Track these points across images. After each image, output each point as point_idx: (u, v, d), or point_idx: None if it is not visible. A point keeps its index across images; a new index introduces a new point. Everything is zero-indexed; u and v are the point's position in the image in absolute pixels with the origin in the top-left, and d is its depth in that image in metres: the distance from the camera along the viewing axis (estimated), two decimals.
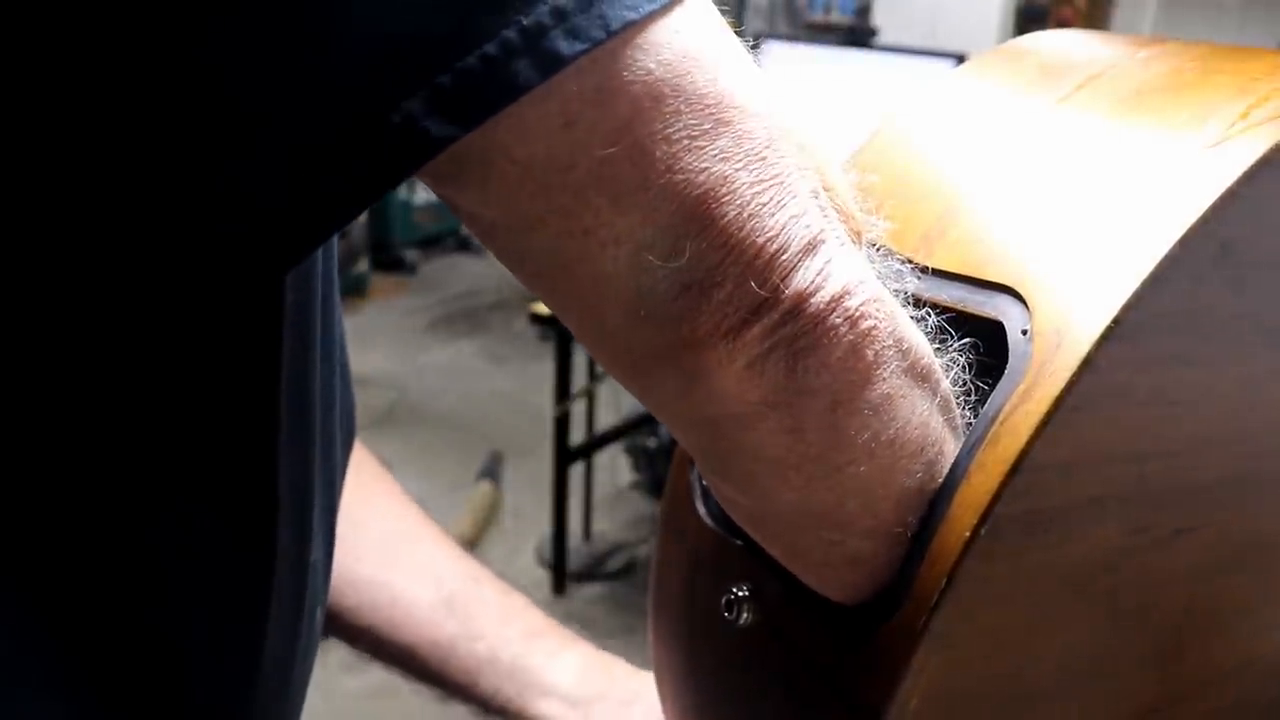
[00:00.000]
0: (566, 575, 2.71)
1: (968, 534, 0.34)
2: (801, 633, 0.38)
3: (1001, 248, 0.38)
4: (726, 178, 0.30)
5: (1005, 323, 0.36)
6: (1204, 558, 0.43)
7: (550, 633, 0.68)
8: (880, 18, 4.76)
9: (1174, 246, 0.35)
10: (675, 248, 0.30)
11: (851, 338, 0.32)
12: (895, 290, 0.36)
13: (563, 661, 0.66)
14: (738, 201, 0.30)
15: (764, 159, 0.31)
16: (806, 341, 0.31)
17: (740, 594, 0.39)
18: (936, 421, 0.35)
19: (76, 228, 0.31)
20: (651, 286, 0.31)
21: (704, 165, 0.30)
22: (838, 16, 5.09)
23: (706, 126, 0.30)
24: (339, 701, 2.15)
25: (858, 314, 0.32)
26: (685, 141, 0.29)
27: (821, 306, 0.31)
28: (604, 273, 0.31)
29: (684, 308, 0.31)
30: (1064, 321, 0.35)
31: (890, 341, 0.33)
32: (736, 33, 0.32)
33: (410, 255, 5.09)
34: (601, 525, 2.94)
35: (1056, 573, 0.38)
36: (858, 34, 4.60)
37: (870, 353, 0.32)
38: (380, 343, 4.03)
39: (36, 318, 0.33)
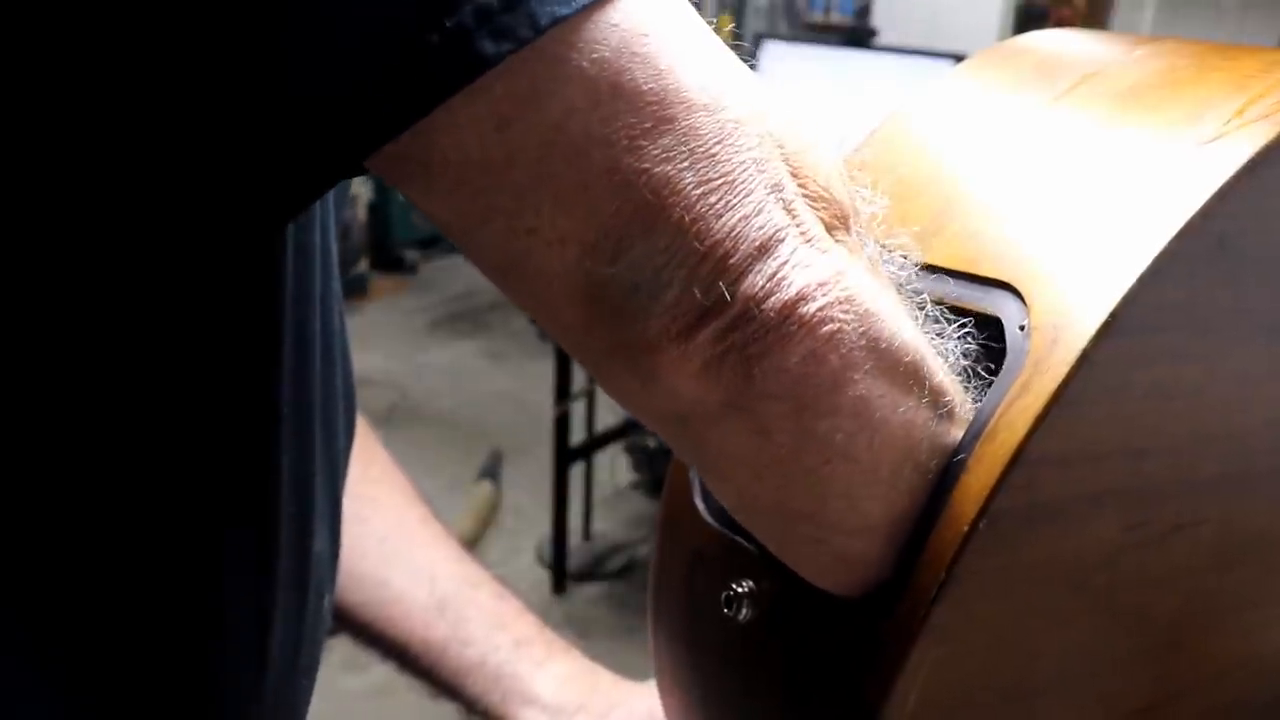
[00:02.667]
0: (566, 575, 2.71)
1: (966, 528, 0.34)
2: (800, 628, 0.38)
3: (998, 244, 0.38)
4: (670, 179, 0.29)
5: (1002, 318, 0.37)
6: (1202, 554, 0.43)
7: (539, 641, 0.69)
8: (880, 18, 4.75)
9: (1171, 242, 0.35)
10: (620, 249, 0.29)
11: (810, 343, 0.30)
12: (893, 274, 0.35)
13: (548, 671, 0.67)
14: (682, 204, 0.29)
15: (713, 157, 0.30)
16: (760, 347, 0.30)
17: (739, 590, 0.39)
18: (925, 418, 0.34)
19: (92, 194, 0.32)
20: (601, 286, 0.30)
21: (645, 166, 0.29)
22: (838, 17, 5.08)
23: (648, 125, 0.29)
24: (339, 701, 2.15)
25: (815, 319, 0.30)
26: (625, 142, 0.29)
27: (774, 312, 0.30)
28: (553, 271, 0.30)
29: (635, 309, 0.30)
30: (1061, 317, 0.35)
31: (861, 344, 0.31)
32: (736, 33, 0.32)
33: (410, 255, 5.08)
34: (601, 525, 2.93)
35: (1055, 568, 0.38)
36: (858, 34, 4.59)
37: (834, 357, 0.31)
38: (380, 343, 4.02)
39: (45, 306, 0.33)
